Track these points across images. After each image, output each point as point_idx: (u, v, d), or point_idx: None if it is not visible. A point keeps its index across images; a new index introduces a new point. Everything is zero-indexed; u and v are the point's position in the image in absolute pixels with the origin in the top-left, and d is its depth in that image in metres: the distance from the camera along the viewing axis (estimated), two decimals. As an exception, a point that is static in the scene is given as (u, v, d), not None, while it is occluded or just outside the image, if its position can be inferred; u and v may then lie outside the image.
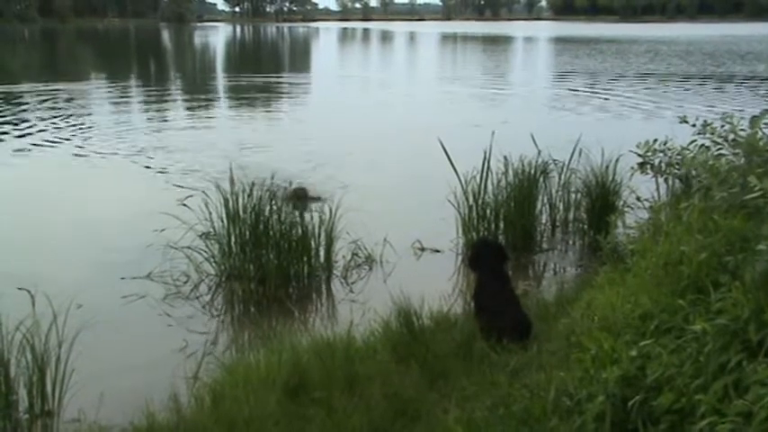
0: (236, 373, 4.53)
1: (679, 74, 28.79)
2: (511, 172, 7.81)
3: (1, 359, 4.53)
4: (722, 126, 3.99)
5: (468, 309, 5.78)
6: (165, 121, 17.37)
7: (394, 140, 14.08)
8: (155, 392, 4.37)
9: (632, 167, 5.41)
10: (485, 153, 7.79)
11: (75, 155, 12.58)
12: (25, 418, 4.61)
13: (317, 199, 8.97)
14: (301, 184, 9.28)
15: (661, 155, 4.95)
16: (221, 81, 29.50)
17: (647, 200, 5.93)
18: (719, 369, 2.63)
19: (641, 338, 3.16)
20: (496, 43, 52.48)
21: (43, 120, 16.46)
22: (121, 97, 21.90)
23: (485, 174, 7.81)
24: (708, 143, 4.05)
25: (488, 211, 7.88)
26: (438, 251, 7.76)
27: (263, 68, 33.73)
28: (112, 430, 4.15)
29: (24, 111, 18.24)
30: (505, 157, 7.88)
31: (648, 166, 5.02)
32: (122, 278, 6.81)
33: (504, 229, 7.86)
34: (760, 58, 37.73)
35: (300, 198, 8.95)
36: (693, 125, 4.41)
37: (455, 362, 4.50)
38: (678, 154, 4.71)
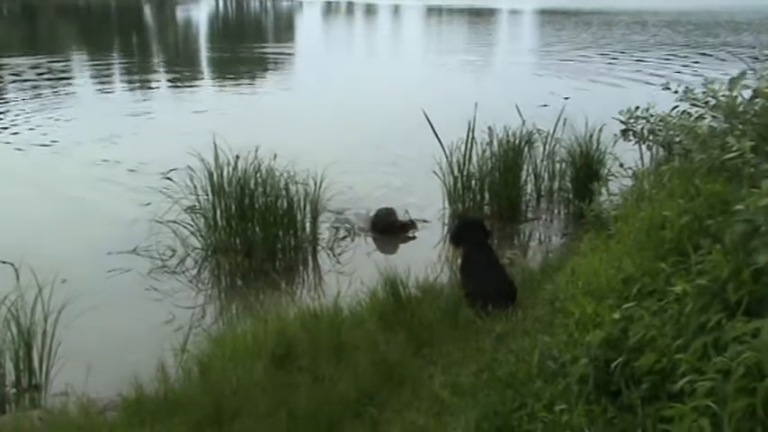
0: (223, 344, 4.55)
1: (665, 43, 28.77)
2: (496, 142, 7.83)
3: (-14, 333, 4.52)
4: (703, 91, 4.01)
5: (454, 277, 5.81)
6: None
7: (379, 113, 14.00)
8: (142, 365, 4.37)
9: (615, 134, 5.43)
10: (469, 124, 7.79)
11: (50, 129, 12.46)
12: (13, 392, 4.62)
13: (412, 226, 7.58)
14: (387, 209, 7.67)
15: (643, 121, 4.97)
16: (204, 54, 29.16)
17: (629, 168, 5.96)
18: (699, 329, 2.66)
19: (624, 302, 3.19)
20: (481, 16, 52.12)
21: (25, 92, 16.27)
22: (103, 71, 21.63)
23: (469, 145, 7.83)
24: (689, 108, 4.07)
25: (474, 182, 7.91)
26: (425, 221, 7.77)
27: (247, 42, 33.36)
28: (101, 402, 4.15)
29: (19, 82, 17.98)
30: (490, 128, 7.90)
31: (631, 133, 5.04)
32: (108, 253, 6.77)
33: (490, 199, 7.91)
34: (748, 29, 37.76)
35: (391, 228, 7.46)
36: (675, 92, 4.42)
37: (441, 329, 4.54)
38: (660, 120, 4.72)
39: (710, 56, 23.86)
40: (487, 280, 5.10)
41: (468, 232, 5.73)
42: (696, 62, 22.21)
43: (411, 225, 7.51)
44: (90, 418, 3.74)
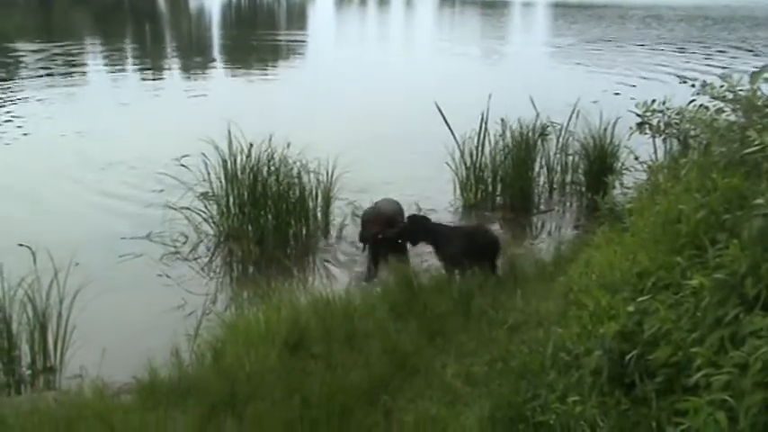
0: (236, 330, 4.58)
1: (680, 38, 28.52)
2: (509, 134, 7.82)
3: (3, 315, 4.57)
4: (721, 85, 3.97)
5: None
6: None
7: (391, 103, 13.98)
8: (156, 349, 4.40)
9: (630, 128, 5.41)
10: (482, 115, 7.78)
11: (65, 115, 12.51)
12: (28, 374, 4.68)
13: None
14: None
15: (660, 115, 4.95)
16: (217, 42, 29.17)
17: (644, 161, 5.93)
18: (716, 323, 2.65)
19: (639, 295, 3.18)
20: (494, 8, 51.84)
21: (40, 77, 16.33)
22: (115, 58, 21.67)
23: (482, 136, 7.83)
24: (707, 102, 4.04)
25: (485, 174, 7.91)
26: (434, 211, 7.77)
27: (260, 31, 33.35)
28: (115, 385, 4.19)
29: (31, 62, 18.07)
30: (503, 120, 7.89)
31: (647, 126, 5.01)
32: (122, 238, 6.82)
33: (502, 191, 7.91)
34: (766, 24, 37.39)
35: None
36: (692, 85, 4.39)
37: (453, 319, 4.55)
38: (677, 113, 4.70)
39: (725, 52, 23.64)
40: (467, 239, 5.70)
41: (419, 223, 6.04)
42: (712, 56, 22.02)
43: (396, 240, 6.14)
44: (105, 400, 3.77)
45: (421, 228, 5.96)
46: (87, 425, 3.42)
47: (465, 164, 7.90)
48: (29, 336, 4.70)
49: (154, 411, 3.57)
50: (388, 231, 6.04)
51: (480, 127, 7.77)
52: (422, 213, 6.83)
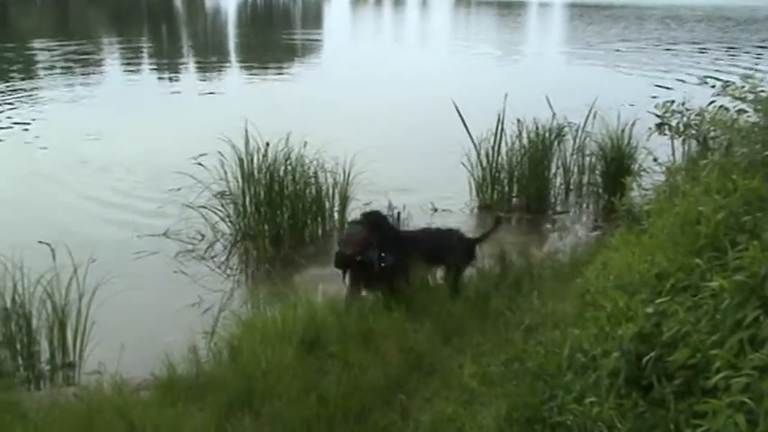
0: (252, 328, 4.60)
1: (700, 39, 28.28)
2: (525, 135, 7.80)
3: (23, 311, 4.63)
4: (742, 86, 3.95)
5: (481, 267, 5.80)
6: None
7: (407, 103, 13.99)
8: (173, 346, 4.43)
9: (649, 128, 5.38)
10: (498, 116, 7.78)
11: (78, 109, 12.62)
12: (47, 369, 4.73)
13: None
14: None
15: (679, 116, 4.92)
16: (232, 41, 29.32)
17: (662, 163, 5.90)
18: (736, 325, 2.64)
19: (657, 297, 3.17)
20: (510, 8, 51.70)
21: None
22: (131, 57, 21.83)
23: (498, 137, 7.82)
24: (727, 104, 4.02)
25: (502, 174, 7.90)
26: (450, 211, 7.77)
27: (276, 30, 33.47)
28: (133, 382, 4.23)
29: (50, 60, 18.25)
30: (519, 120, 7.88)
31: (666, 127, 4.98)
32: (139, 236, 6.88)
33: (518, 192, 7.90)
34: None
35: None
36: (713, 86, 4.37)
37: (470, 320, 4.55)
38: (697, 114, 4.67)
39: (748, 52, 23.40)
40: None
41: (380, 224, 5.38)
42: (733, 57, 21.82)
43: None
44: (123, 396, 3.81)
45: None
46: (107, 420, 3.45)
47: (481, 164, 7.90)
48: (48, 332, 4.75)
49: (172, 407, 3.60)
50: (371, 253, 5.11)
51: (497, 127, 7.76)
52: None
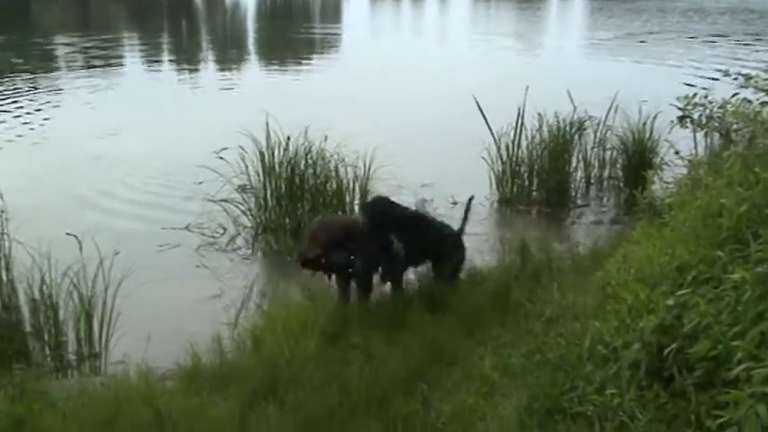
0: (274, 319, 4.66)
1: (724, 32, 27.89)
2: (545, 128, 7.79)
3: (51, 302, 4.72)
4: (765, 79, 3.93)
5: (501, 260, 5.81)
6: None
7: (427, 96, 13.98)
8: (197, 337, 4.49)
9: (671, 121, 5.36)
10: (518, 109, 7.77)
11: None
12: (74, 359, 4.82)
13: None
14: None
15: (701, 108, 4.90)
16: (252, 36, 29.43)
17: (684, 156, 5.88)
18: (758, 317, 2.65)
19: (678, 289, 3.17)
20: (530, 2, 51.35)
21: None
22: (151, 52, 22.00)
23: (518, 130, 7.82)
24: (751, 96, 4.01)
25: (522, 168, 7.90)
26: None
27: (295, 25, 33.54)
28: (159, 371, 4.30)
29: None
30: (539, 114, 7.87)
31: (688, 120, 4.97)
32: (162, 228, 6.97)
33: (538, 185, 7.89)
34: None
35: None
36: (736, 78, 4.35)
37: (490, 312, 4.58)
38: (720, 107, 4.65)
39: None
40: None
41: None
42: (760, 50, 21.50)
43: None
44: (150, 385, 3.88)
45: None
46: (134, 407, 3.53)
47: (501, 158, 7.91)
48: (75, 323, 4.85)
49: (197, 396, 3.67)
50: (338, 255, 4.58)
51: (517, 121, 7.76)
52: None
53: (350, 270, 4.58)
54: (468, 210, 5.65)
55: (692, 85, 6.70)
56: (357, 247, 4.55)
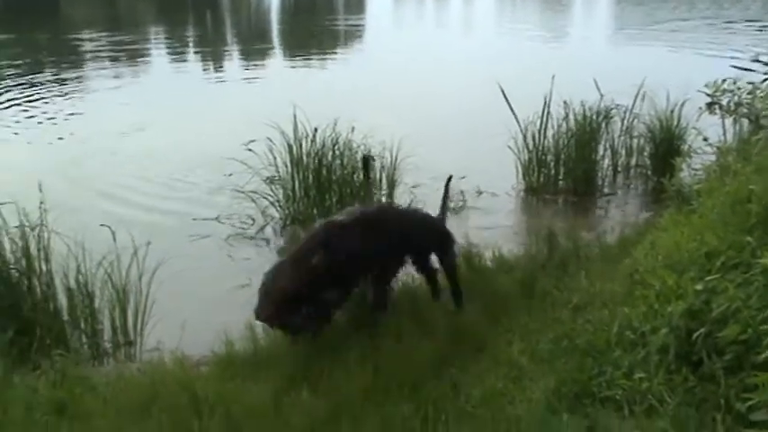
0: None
1: (754, 18, 27.38)
2: (572, 117, 7.77)
3: (86, 290, 4.85)
4: (796, 64, 3.90)
5: (528, 248, 5.83)
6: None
7: (453, 86, 13.93)
8: (230, 324, 4.57)
9: (700, 108, 5.33)
10: (545, 98, 7.76)
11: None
12: (109, 347, 4.95)
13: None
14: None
15: (730, 94, 4.87)
16: (276, 28, 29.54)
17: (712, 143, 5.84)
18: (787, 301, 2.66)
19: (706, 275, 3.19)
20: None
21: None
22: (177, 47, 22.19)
23: (545, 119, 7.80)
24: (780, 81, 3.98)
25: (548, 157, 7.89)
26: (496, 195, 7.80)
27: (319, 16, 33.59)
28: (193, 358, 4.40)
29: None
30: (565, 102, 7.84)
31: (717, 107, 4.94)
32: (193, 219, 7.09)
33: (564, 174, 7.88)
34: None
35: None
36: (766, 64, 4.32)
37: (517, 300, 4.61)
38: (749, 93, 4.62)
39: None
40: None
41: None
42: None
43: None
44: (185, 370, 3.98)
45: None
46: (170, 391, 3.63)
47: (527, 147, 7.90)
48: (110, 311, 4.97)
49: (232, 381, 3.76)
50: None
51: (543, 110, 7.75)
52: None
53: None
54: (446, 192, 5.14)
55: (722, 72, 6.60)
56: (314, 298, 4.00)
